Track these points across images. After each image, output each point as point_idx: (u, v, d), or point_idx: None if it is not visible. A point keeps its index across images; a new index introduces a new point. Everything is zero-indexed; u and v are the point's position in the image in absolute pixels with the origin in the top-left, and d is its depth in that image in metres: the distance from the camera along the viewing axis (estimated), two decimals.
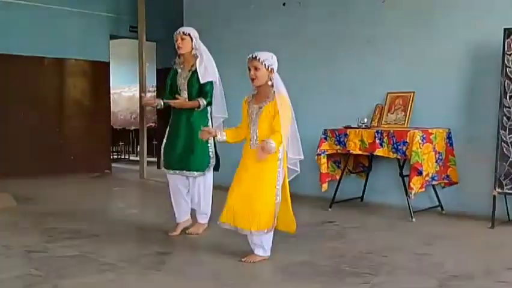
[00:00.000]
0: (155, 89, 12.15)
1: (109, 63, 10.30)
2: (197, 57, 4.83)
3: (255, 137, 4.03)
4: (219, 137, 4.20)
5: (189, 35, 4.82)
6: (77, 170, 9.50)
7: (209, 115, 4.91)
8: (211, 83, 4.82)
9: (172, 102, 4.82)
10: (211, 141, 4.82)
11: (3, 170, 8.54)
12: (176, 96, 4.82)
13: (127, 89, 14.30)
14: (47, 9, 9.34)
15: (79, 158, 9.77)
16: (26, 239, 4.76)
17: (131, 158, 13.26)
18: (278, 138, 3.88)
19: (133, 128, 13.40)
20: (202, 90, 4.80)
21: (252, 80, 4.02)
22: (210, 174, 4.94)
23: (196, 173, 4.85)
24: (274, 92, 4.00)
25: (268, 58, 3.99)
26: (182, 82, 4.85)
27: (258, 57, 3.97)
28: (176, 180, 4.94)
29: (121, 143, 13.52)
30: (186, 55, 4.86)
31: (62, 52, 9.65)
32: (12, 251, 4.40)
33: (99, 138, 10.12)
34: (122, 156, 13.47)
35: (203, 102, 4.77)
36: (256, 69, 3.98)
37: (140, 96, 5.13)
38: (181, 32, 4.83)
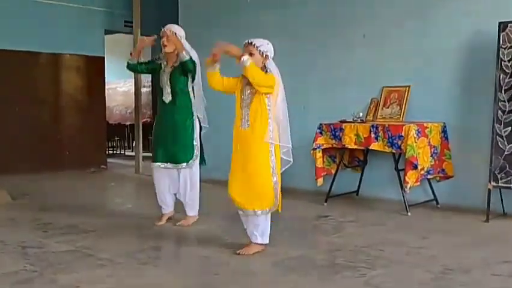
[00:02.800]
0: (151, 84, 12.13)
1: (104, 58, 10.26)
2: (179, 55, 4.88)
3: (246, 118, 4.06)
4: (210, 68, 4.19)
5: (175, 34, 4.89)
6: (73, 166, 9.49)
7: (193, 108, 4.98)
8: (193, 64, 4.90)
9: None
10: (196, 135, 4.93)
11: None
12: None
13: (122, 84, 14.26)
14: (41, 4, 9.30)
15: (74, 153, 9.74)
16: (21, 235, 4.76)
17: (126, 153, 13.23)
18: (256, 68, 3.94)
19: (128, 123, 13.36)
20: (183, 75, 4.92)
21: None
22: (195, 168, 5.02)
23: (182, 165, 4.94)
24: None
25: (264, 44, 4.07)
26: (165, 78, 4.94)
27: (253, 43, 4.05)
28: (161, 173, 5.04)
29: (116, 138, 13.49)
30: (170, 53, 4.94)
31: (56, 47, 9.61)
32: (8, 247, 4.39)
33: (94, 134, 10.10)
34: (118, 152, 13.45)
35: (187, 56, 4.79)
36: (250, 54, 4.02)
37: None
38: (168, 30, 4.89)
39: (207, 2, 8.38)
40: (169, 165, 4.98)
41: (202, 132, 5.06)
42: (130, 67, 5.14)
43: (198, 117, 5.01)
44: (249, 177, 4.03)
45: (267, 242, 4.17)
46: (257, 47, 4.04)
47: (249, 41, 4.07)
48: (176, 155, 4.94)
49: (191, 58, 4.84)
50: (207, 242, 4.51)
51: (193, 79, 4.95)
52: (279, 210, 4.18)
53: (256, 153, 4.03)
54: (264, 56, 4.05)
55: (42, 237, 4.73)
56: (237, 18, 7.89)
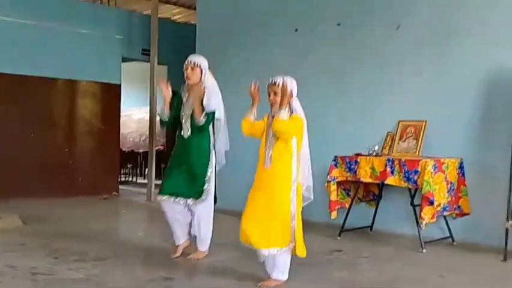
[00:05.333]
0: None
1: (120, 85, 10.34)
2: (204, 89, 4.82)
3: (269, 158, 4.02)
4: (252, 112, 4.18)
5: (199, 66, 4.82)
6: (86, 192, 9.48)
7: (211, 146, 4.89)
8: (211, 114, 4.81)
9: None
10: (209, 172, 4.83)
11: (13, 190, 8.54)
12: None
13: (137, 111, 14.34)
14: (60, 31, 9.42)
15: (87, 179, 9.76)
16: (32, 260, 4.73)
17: (139, 180, 13.22)
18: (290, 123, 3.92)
19: (141, 150, 13.39)
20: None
21: (272, 104, 4.04)
22: (208, 203, 4.90)
23: (189, 200, 4.84)
24: (291, 115, 4.01)
25: (288, 83, 4.00)
26: (186, 112, 4.86)
27: (277, 83, 4.00)
28: (169, 205, 4.90)
29: (129, 165, 13.50)
30: (194, 86, 4.86)
31: (74, 74, 9.71)
32: (18, 272, 4.35)
33: (108, 160, 10.12)
34: (130, 179, 13.45)
35: (203, 119, 4.73)
36: (275, 94, 4.01)
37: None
38: (191, 62, 4.83)
39: (225, 31, 8.45)
40: (174, 198, 4.84)
41: (216, 169, 4.97)
42: (165, 126, 5.04)
43: (215, 154, 4.93)
44: (268, 217, 3.97)
45: (286, 278, 4.10)
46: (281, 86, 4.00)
47: (273, 81, 4.04)
48: (185, 189, 4.82)
49: (213, 113, 4.78)
50: (219, 274, 4.44)
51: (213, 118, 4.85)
52: (303, 255, 4.11)
53: (277, 193, 3.99)
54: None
55: (53, 263, 4.69)
56: (253, 50, 7.94)
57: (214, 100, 4.80)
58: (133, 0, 11.81)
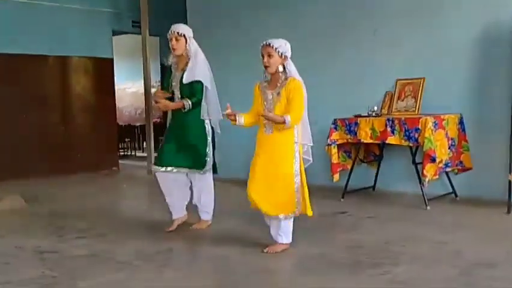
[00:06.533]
0: (160, 83, 12.07)
1: (112, 59, 10.21)
2: (190, 57, 4.71)
3: (270, 123, 3.98)
4: (237, 121, 4.09)
5: (184, 35, 4.68)
6: (85, 168, 9.45)
7: (205, 114, 4.75)
8: (200, 83, 4.67)
9: (156, 106, 4.79)
10: (208, 141, 4.76)
11: (11, 171, 8.52)
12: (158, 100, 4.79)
13: (131, 85, 14.22)
14: (48, 7, 9.25)
15: (85, 155, 9.71)
16: (37, 240, 4.72)
17: (137, 154, 13.20)
18: (294, 115, 3.89)
19: (138, 124, 13.34)
20: (192, 90, 4.68)
21: (266, 67, 3.98)
22: (209, 174, 4.87)
23: (195, 171, 4.78)
24: (287, 77, 3.97)
25: (282, 45, 3.97)
26: (175, 82, 4.77)
27: (271, 44, 3.95)
28: (167, 177, 4.81)
29: (126, 140, 13.45)
30: (180, 56, 4.75)
31: (65, 50, 9.57)
32: (24, 252, 4.35)
33: (105, 135, 10.06)
34: (129, 153, 13.42)
35: (188, 103, 4.64)
36: (269, 56, 3.96)
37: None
38: (175, 33, 4.67)
39: (215, 1, 8.30)
40: (174, 169, 4.76)
41: (216, 139, 4.90)
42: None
43: (210, 123, 4.81)
44: (273, 182, 3.98)
45: (290, 240, 4.12)
46: (275, 48, 3.93)
47: (267, 43, 3.96)
48: (185, 160, 4.74)
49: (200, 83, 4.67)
50: (223, 242, 4.44)
51: (195, 99, 4.68)
52: (310, 214, 4.12)
53: (280, 157, 3.98)
54: (283, 57, 3.97)
55: (58, 241, 4.69)
56: (246, 18, 7.81)
57: (198, 69, 4.69)
58: None
